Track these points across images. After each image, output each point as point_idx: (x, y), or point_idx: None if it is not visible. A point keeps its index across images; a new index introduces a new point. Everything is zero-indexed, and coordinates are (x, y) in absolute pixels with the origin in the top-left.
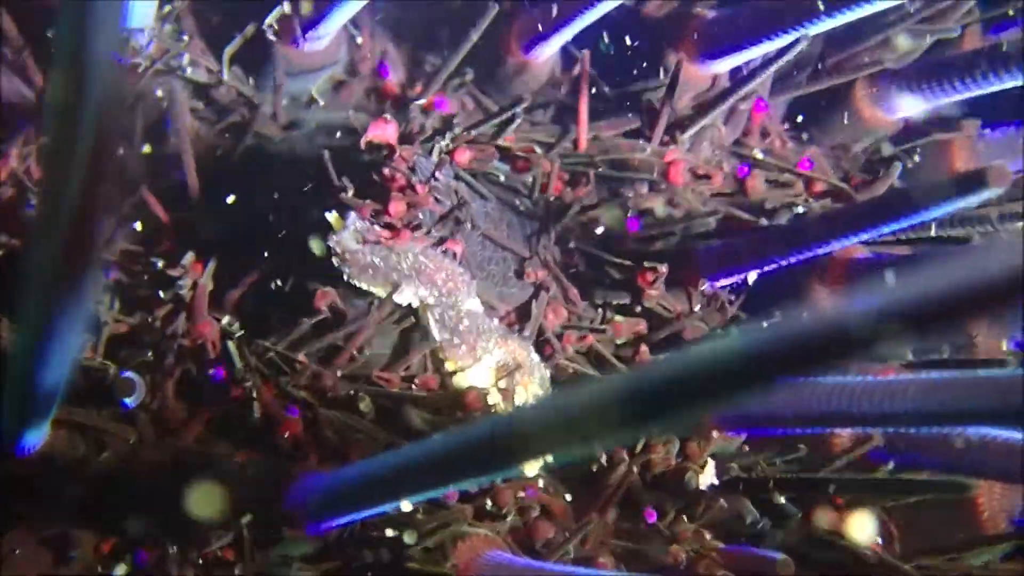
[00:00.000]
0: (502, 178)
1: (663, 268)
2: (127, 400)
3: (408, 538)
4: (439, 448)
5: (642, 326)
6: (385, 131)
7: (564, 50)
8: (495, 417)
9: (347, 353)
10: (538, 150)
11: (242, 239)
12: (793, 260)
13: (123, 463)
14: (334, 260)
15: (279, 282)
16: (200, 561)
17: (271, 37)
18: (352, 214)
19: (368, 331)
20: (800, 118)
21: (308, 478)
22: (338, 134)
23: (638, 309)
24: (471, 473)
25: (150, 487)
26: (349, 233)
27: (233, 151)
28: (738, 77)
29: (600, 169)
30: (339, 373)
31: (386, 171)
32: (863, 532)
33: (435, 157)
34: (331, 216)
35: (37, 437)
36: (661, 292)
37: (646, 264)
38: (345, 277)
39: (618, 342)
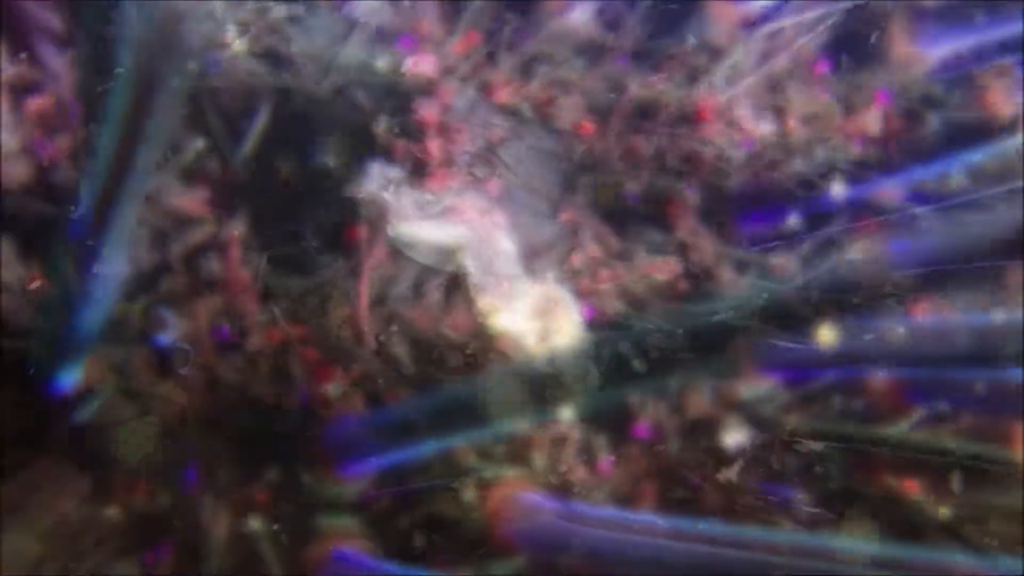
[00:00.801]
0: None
1: (690, 195)
2: (162, 337)
3: (441, 481)
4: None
5: (676, 265)
6: (424, 62)
7: None
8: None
9: (363, 288)
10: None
11: (281, 189)
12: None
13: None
14: (365, 210)
15: (313, 233)
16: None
17: None
18: (375, 164)
19: (374, 262)
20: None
21: (343, 420)
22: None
23: (672, 248)
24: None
25: (188, 428)
26: (375, 181)
27: (276, 101)
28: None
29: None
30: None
31: (423, 110)
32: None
33: (472, 94)
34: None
35: (72, 377)
36: (694, 226)
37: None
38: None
39: (652, 281)
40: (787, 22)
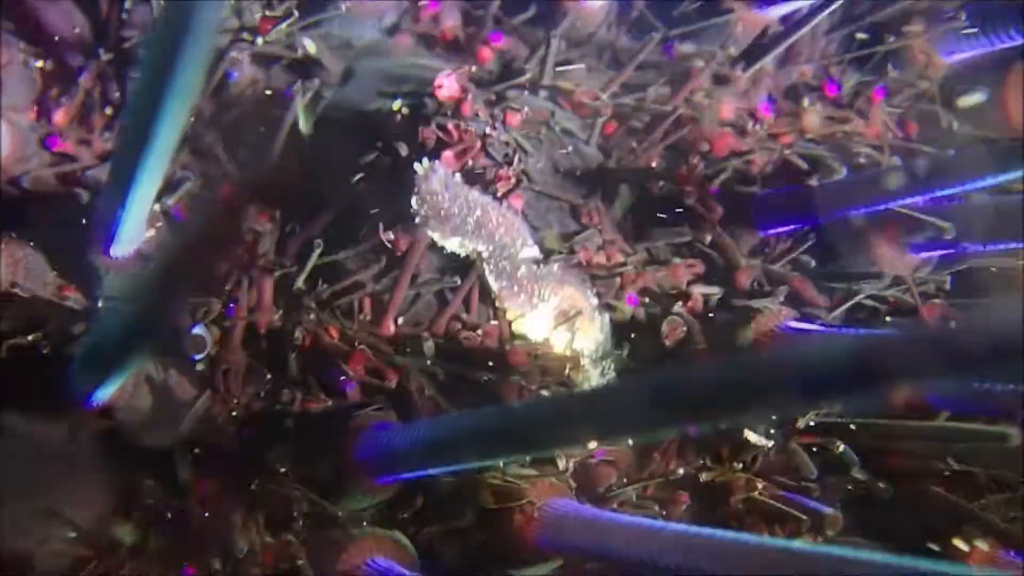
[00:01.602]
0: (556, 114)
1: (696, 161)
2: (196, 356)
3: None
4: (509, 417)
5: (700, 268)
6: (451, 85)
7: None
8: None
9: (398, 296)
10: (603, 97)
11: (300, 188)
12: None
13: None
14: (414, 202)
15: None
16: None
17: None
18: (438, 163)
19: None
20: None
21: (376, 429)
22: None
23: (696, 249)
24: (533, 447)
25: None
26: (438, 177)
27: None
28: (791, 22)
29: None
30: (399, 320)
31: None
32: None
33: (488, 119)
34: (420, 167)
35: (107, 391)
36: (715, 209)
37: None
38: (417, 220)
39: (677, 285)
40: (804, 30)
